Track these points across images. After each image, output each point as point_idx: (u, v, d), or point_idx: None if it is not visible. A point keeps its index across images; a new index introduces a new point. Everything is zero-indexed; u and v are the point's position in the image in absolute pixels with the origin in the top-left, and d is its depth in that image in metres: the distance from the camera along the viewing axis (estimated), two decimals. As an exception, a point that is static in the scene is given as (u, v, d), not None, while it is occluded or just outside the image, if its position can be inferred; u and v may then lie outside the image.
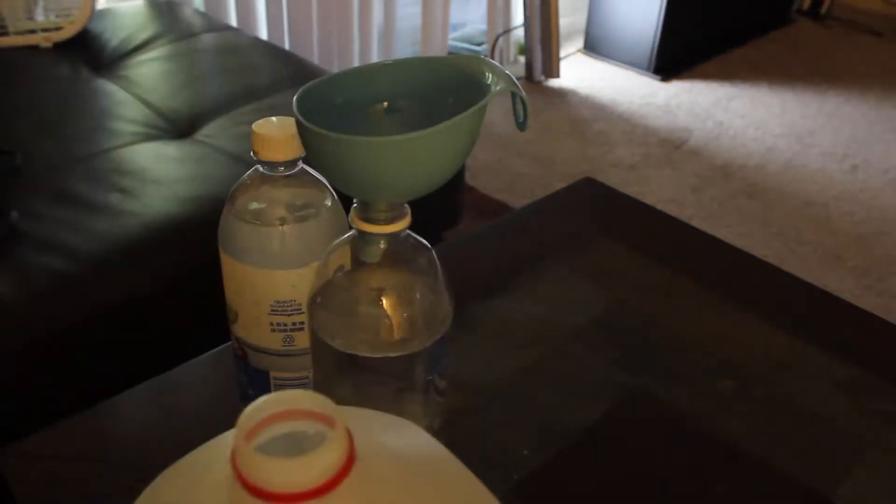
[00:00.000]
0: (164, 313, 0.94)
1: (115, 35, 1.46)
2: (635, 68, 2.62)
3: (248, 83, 1.32)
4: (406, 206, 0.41)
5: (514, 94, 0.39)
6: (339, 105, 0.40)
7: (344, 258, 0.43)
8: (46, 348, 0.86)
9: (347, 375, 0.43)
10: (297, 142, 0.44)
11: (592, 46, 2.72)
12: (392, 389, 0.44)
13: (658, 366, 0.64)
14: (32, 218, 0.96)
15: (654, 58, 2.56)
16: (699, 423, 0.59)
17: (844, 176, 2.11)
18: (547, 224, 0.82)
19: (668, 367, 0.64)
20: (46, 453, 0.54)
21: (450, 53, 2.50)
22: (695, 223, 1.38)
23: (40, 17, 1.44)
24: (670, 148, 2.21)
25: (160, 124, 1.20)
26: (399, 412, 0.45)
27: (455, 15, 2.57)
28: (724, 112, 2.41)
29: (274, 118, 0.48)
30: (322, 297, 0.43)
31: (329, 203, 0.50)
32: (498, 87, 0.38)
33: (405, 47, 2.55)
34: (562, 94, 2.49)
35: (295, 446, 0.25)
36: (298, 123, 0.37)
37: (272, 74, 1.37)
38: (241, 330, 0.52)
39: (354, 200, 0.40)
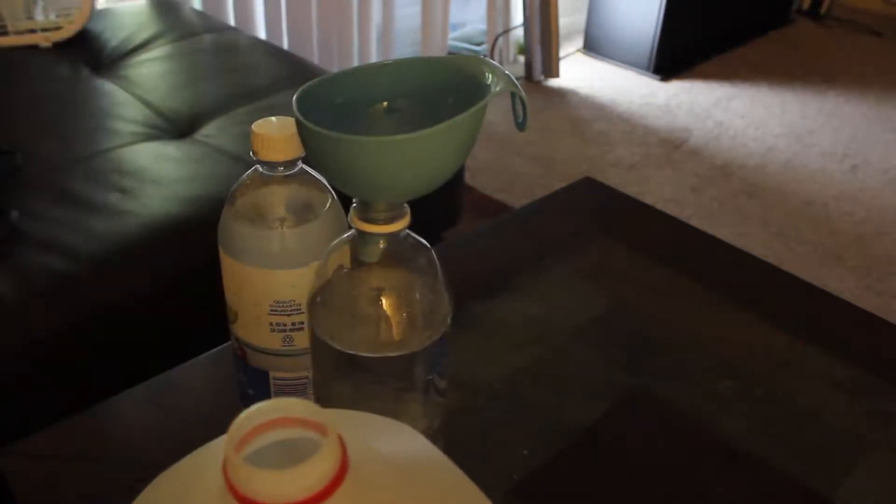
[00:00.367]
0: (164, 313, 0.94)
1: (114, 35, 1.46)
2: (635, 68, 2.62)
3: (247, 83, 1.32)
4: (405, 205, 0.41)
5: (513, 94, 0.39)
6: (338, 105, 0.40)
7: (343, 258, 0.43)
8: (46, 348, 0.86)
9: (347, 375, 0.43)
10: (296, 142, 0.44)
11: (592, 46, 2.72)
12: (391, 389, 0.44)
13: (658, 366, 0.64)
14: (32, 218, 0.96)
15: (653, 57, 2.56)
16: (699, 423, 0.59)
17: (844, 176, 2.11)
18: (547, 224, 0.82)
19: (668, 367, 0.64)
20: (46, 453, 0.54)
21: (449, 53, 2.50)
22: (695, 223, 1.38)
23: (40, 16, 1.44)
24: (670, 148, 2.21)
25: (160, 124, 1.20)
26: (399, 412, 0.45)
27: (455, 15, 2.57)
28: (723, 112, 2.41)
29: (273, 118, 0.48)
30: (322, 296, 0.43)
31: (329, 203, 0.50)
32: (498, 87, 0.38)
33: (405, 47, 2.55)
34: (561, 94, 2.49)
35: (287, 455, 0.25)
36: (298, 123, 0.37)
37: (272, 74, 1.37)
38: (240, 330, 0.52)
39: (354, 200, 0.40)
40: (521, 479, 0.53)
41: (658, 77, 2.58)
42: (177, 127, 1.20)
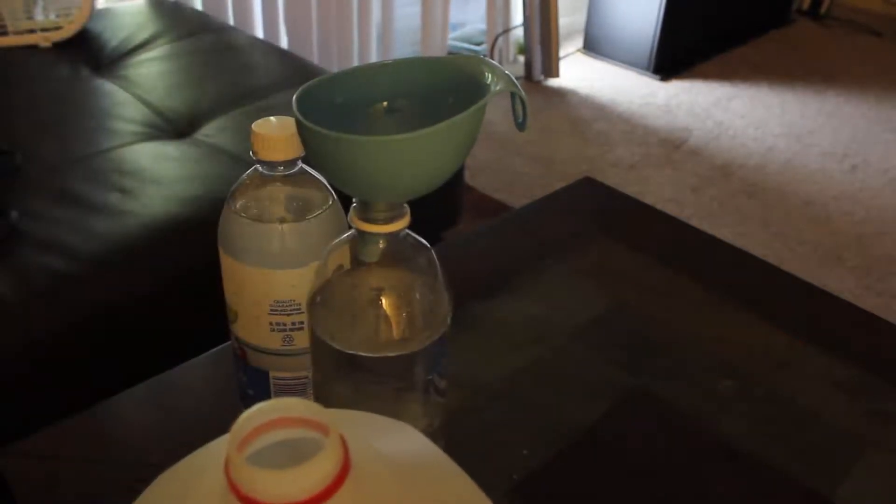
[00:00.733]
0: (164, 313, 0.94)
1: (114, 35, 1.46)
2: (635, 68, 2.62)
3: (247, 83, 1.32)
4: (405, 205, 0.41)
5: (513, 94, 0.39)
6: (338, 105, 0.40)
7: (343, 258, 0.43)
8: (46, 348, 0.86)
9: (347, 375, 0.43)
10: (296, 141, 0.44)
11: (592, 46, 2.72)
12: (391, 389, 0.44)
13: (658, 366, 0.64)
14: (32, 218, 0.96)
15: (653, 57, 2.56)
16: (699, 423, 0.59)
17: (844, 176, 2.11)
18: (547, 224, 0.82)
19: (668, 367, 0.64)
20: (46, 453, 0.54)
21: (449, 53, 2.50)
22: (695, 223, 1.38)
23: (40, 16, 1.44)
24: (670, 148, 2.21)
25: (160, 124, 1.20)
26: (399, 412, 0.45)
27: (454, 15, 2.57)
28: (723, 112, 2.41)
29: (273, 118, 0.48)
30: (321, 296, 0.43)
31: (328, 203, 0.50)
32: (497, 87, 0.38)
33: (404, 47, 2.55)
34: (561, 94, 2.49)
35: (289, 455, 0.25)
36: (298, 123, 0.37)
37: (271, 74, 1.37)
38: (240, 330, 0.52)
39: (354, 200, 0.40)
40: (521, 479, 0.53)
41: (658, 77, 2.58)
42: (176, 127, 1.20)
